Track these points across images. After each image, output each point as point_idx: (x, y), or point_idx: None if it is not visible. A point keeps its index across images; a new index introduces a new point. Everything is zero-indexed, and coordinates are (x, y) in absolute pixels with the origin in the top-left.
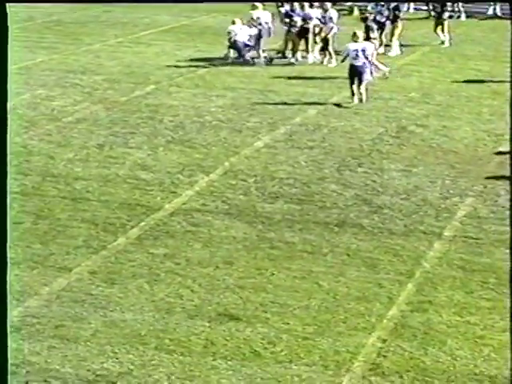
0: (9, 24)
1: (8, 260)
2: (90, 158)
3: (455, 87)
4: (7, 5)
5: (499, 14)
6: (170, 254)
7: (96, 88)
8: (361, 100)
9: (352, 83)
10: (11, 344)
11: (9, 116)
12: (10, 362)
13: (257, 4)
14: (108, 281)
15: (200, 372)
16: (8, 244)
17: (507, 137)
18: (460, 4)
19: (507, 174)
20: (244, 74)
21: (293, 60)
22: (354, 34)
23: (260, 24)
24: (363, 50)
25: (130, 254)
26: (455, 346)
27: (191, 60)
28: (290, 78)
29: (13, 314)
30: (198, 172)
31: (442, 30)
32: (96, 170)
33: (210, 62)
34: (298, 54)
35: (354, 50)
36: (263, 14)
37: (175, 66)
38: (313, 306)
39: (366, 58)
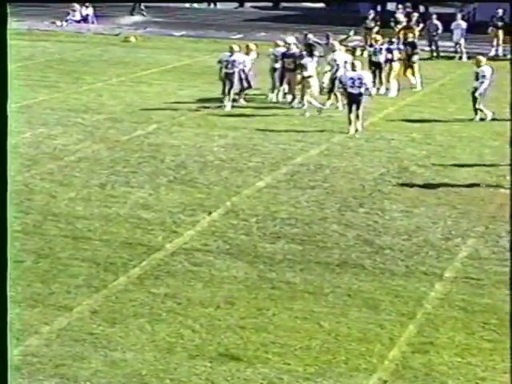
0: (8, 55)
1: (8, 298)
2: (91, 197)
3: (456, 128)
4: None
5: (501, 54)
6: (171, 293)
7: (98, 127)
8: (356, 130)
9: (350, 111)
10: (11, 383)
11: (10, 154)
12: None
13: (233, 46)
14: (109, 320)
15: None
16: (8, 282)
17: (508, 177)
18: (462, 45)
19: (508, 214)
20: (245, 114)
21: (294, 104)
22: (353, 63)
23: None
24: (359, 79)
25: (130, 294)
26: None
27: (193, 99)
28: (291, 118)
29: (13, 352)
30: (200, 211)
31: (413, 74)
32: (97, 209)
33: (212, 101)
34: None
35: (351, 79)
36: (239, 57)
37: (177, 106)
38: (314, 347)
39: (362, 86)
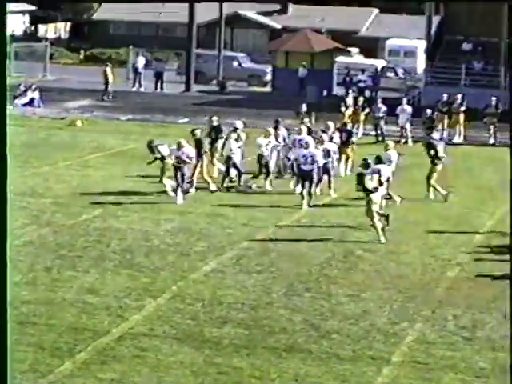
0: None
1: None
2: (37, 282)
3: (403, 212)
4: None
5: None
6: (117, 378)
7: (44, 211)
8: (309, 204)
9: (303, 187)
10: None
11: None
12: None
13: (182, 142)
14: None
15: None
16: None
17: (454, 262)
18: (408, 129)
19: (454, 299)
20: (193, 198)
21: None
22: (306, 142)
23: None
24: (312, 156)
25: (76, 379)
26: None
27: (139, 183)
28: (237, 202)
29: None
30: (146, 296)
31: (347, 160)
32: (43, 293)
33: (158, 185)
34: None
35: (304, 156)
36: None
37: (123, 190)
38: None
39: (314, 163)
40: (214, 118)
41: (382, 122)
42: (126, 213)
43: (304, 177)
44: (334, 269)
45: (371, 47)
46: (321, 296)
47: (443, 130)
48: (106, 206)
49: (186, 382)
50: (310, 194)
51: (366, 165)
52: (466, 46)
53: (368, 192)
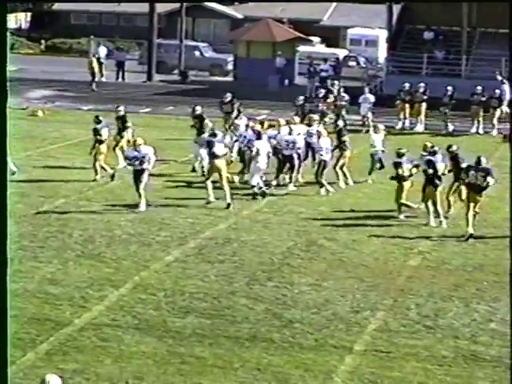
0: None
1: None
2: None
3: (364, 201)
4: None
5: (408, 127)
6: (79, 369)
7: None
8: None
9: (280, 171)
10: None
11: None
12: None
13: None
14: None
15: None
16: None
17: (418, 249)
18: (370, 118)
19: (416, 287)
20: (155, 189)
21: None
22: (290, 128)
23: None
24: (293, 142)
25: (38, 370)
26: None
27: (100, 174)
28: (199, 193)
29: None
30: (108, 286)
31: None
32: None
33: (120, 175)
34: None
35: (286, 141)
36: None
37: (84, 180)
38: None
39: (294, 149)
40: (197, 108)
41: (343, 111)
42: (87, 203)
43: (284, 161)
44: (297, 258)
45: (333, 36)
46: (283, 285)
47: (405, 118)
48: (68, 196)
49: (149, 371)
50: (290, 178)
51: (399, 154)
52: (428, 35)
53: (400, 179)
